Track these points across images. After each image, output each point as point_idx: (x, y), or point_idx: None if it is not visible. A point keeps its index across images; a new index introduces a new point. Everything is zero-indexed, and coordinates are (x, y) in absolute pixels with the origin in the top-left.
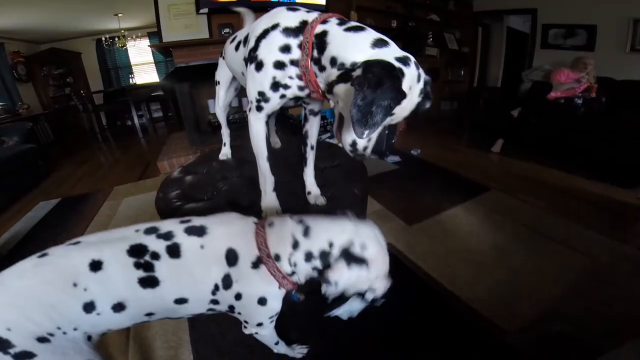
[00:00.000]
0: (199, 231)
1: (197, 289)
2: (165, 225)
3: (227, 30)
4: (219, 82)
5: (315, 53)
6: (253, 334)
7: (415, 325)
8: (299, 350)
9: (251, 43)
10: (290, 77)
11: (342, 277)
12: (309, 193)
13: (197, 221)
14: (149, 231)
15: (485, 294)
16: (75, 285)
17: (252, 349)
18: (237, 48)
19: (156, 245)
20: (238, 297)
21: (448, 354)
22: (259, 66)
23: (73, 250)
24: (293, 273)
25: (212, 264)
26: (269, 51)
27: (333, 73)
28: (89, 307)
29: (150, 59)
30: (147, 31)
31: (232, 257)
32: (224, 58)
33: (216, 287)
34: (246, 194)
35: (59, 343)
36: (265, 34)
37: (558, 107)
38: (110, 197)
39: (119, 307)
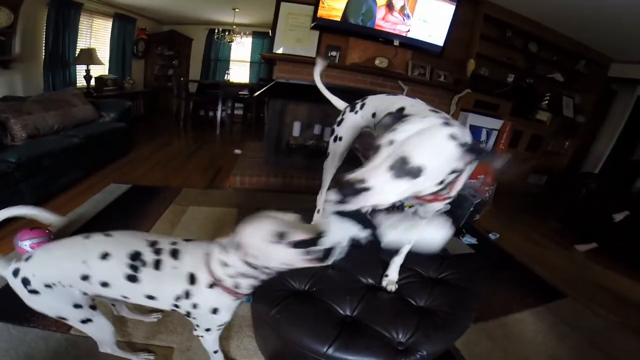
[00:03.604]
0: (176, 254)
1: (163, 294)
2: (162, 242)
3: (333, 53)
4: (340, 139)
5: None
6: (199, 336)
7: None
8: None
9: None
10: None
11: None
12: (386, 275)
13: (179, 245)
14: (151, 244)
15: None
16: (84, 262)
17: None
18: None
19: (149, 256)
20: (195, 306)
21: None
22: None
23: (101, 241)
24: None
25: (178, 281)
26: None
27: None
28: (85, 277)
29: (248, 57)
30: (253, 30)
31: (192, 279)
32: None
33: (178, 297)
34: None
35: (57, 290)
36: None
37: None
38: (177, 201)
39: (105, 285)
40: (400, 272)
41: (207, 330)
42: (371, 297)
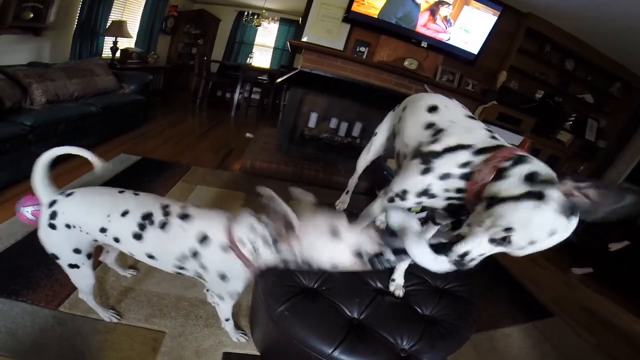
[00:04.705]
0: (185, 217)
1: (164, 255)
2: (173, 207)
3: (362, 48)
4: (376, 134)
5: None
6: (214, 304)
7: None
8: (239, 337)
9: (438, 147)
10: (446, 190)
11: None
12: (393, 280)
13: (189, 209)
14: (163, 207)
15: None
16: (108, 216)
17: None
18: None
19: (158, 217)
20: (203, 267)
21: None
22: (426, 171)
23: (129, 198)
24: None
25: (184, 241)
26: (447, 166)
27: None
28: (103, 230)
29: (272, 43)
30: (281, 16)
31: (203, 239)
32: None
33: (182, 257)
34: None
35: (72, 232)
36: (456, 149)
37: None
38: (186, 178)
39: (117, 240)
40: (408, 279)
41: (220, 297)
42: (379, 301)
